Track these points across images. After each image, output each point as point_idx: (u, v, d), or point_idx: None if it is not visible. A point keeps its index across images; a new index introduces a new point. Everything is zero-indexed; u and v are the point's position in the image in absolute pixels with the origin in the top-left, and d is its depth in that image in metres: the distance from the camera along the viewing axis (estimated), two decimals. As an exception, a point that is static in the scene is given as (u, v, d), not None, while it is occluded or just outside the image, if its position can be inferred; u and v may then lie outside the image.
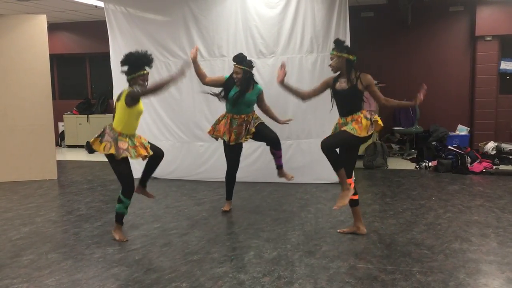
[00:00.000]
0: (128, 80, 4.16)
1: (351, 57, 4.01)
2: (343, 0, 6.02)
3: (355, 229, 4.24)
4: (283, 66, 4.20)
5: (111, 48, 6.83)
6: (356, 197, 4.18)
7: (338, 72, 4.08)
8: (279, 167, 5.06)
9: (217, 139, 5.08)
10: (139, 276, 3.39)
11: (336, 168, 4.01)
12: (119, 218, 4.23)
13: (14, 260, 3.77)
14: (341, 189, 4.07)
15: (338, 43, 4.06)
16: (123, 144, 4.02)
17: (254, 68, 5.03)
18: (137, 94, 3.99)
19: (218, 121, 5.01)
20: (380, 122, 4.08)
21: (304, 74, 6.22)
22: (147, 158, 4.30)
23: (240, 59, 4.87)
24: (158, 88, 4.01)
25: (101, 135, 4.13)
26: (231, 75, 4.92)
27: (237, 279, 3.30)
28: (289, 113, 6.27)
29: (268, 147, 5.03)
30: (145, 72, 4.16)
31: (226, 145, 4.98)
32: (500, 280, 3.24)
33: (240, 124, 4.86)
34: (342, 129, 4.00)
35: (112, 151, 3.98)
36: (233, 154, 5.01)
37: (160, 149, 4.38)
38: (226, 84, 4.89)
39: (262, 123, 4.97)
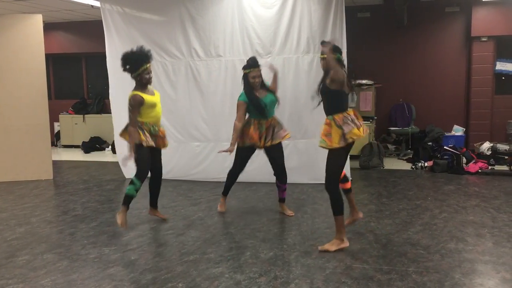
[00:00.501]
0: (135, 77, 4.33)
1: (333, 56, 3.74)
2: (340, 1, 6.04)
3: (354, 217, 4.24)
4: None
5: (107, 48, 6.82)
6: (349, 184, 4.19)
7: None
8: (282, 200, 5.02)
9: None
10: (135, 277, 3.39)
11: (336, 211, 3.79)
12: (128, 201, 4.35)
13: (10, 260, 3.76)
14: (335, 236, 3.85)
15: (323, 44, 3.92)
16: (144, 134, 4.33)
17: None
18: (130, 111, 4.32)
19: (242, 130, 4.74)
20: (356, 132, 3.69)
21: (300, 75, 6.23)
22: (150, 180, 4.68)
23: (255, 62, 4.76)
24: (131, 134, 4.32)
25: (126, 127, 4.44)
26: (247, 91, 4.72)
27: (233, 279, 3.30)
28: (286, 113, 6.28)
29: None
30: (148, 65, 4.35)
31: (243, 147, 4.82)
32: (495, 280, 3.25)
33: (268, 128, 4.79)
34: (320, 145, 3.79)
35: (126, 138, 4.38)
36: (245, 155, 4.88)
37: (159, 167, 4.67)
38: (252, 101, 4.70)
39: (280, 142, 4.86)
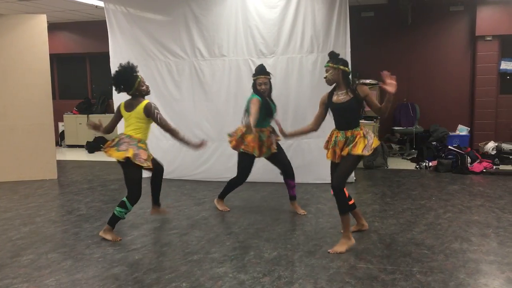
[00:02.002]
0: (133, 93, 4.28)
1: (346, 69, 3.92)
2: (343, 0, 6.02)
3: (360, 227, 4.31)
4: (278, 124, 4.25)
5: (111, 48, 6.83)
6: (352, 201, 4.17)
7: (334, 85, 4.00)
8: (292, 198, 5.02)
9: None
10: (139, 276, 3.39)
11: (343, 210, 3.86)
12: (115, 222, 4.24)
13: (14, 260, 3.77)
14: (342, 236, 3.89)
15: (333, 55, 3.96)
16: (144, 154, 4.12)
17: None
18: (155, 116, 4.19)
19: (241, 135, 4.79)
20: (376, 141, 3.91)
21: (304, 74, 6.22)
22: (151, 178, 4.64)
23: (261, 69, 4.82)
24: (173, 133, 4.30)
25: (117, 144, 4.13)
26: (259, 94, 4.76)
27: (237, 279, 3.30)
28: (290, 113, 6.29)
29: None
30: (140, 77, 4.30)
31: (245, 154, 4.82)
32: (500, 280, 3.23)
33: (268, 136, 4.82)
34: (343, 154, 3.86)
35: (130, 154, 4.02)
36: (248, 164, 4.87)
37: (161, 165, 4.67)
38: (264, 104, 4.74)
39: (279, 144, 4.94)
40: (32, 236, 4.39)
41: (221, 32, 6.42)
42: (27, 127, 6.90)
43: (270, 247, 3.93)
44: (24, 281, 3.35)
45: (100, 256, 3.80)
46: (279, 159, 4.92)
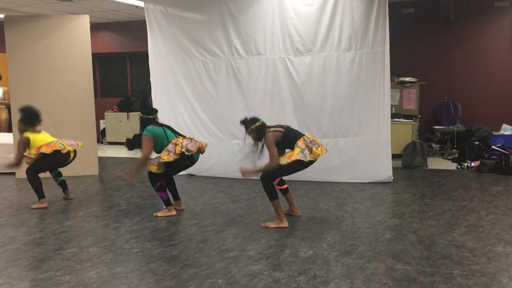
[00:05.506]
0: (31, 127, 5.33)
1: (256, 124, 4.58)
2: (383, -4, 5.92)
3: (290, 212, 4.84)
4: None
5: (150, 47, 6.94)
6: (285, 186, 4.81)
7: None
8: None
9: None
10: (176, 271, 3.45)
11: (272, 197, 4.50)
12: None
13: (57, 252, 3.91)
14: (276, 217, 4.54)
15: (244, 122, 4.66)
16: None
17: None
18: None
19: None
20: (315, 150, 4.38)
21: (342, 72, 6.16)
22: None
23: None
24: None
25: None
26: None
27: (272, 277, 3.31)
28: (326, 112, 6.25)
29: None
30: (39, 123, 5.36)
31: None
32: (546, 285, 3.11)
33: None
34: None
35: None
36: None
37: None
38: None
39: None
40: (74, 230, 4.54)
41: (258, 30, 6.43)
42: (70, 124, 7.10)
43: (306, 246, 3.92)
44: (66, 273, 3.46)
45: (139, 251, 3.89)
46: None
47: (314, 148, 4.37)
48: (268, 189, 4.49)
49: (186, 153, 4.71)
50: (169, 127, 4.95)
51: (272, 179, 4.53)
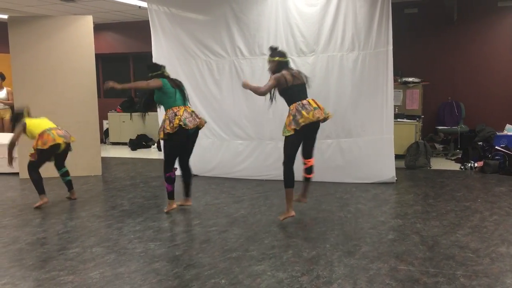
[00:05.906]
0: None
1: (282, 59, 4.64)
2: (386, -4, 5.91)
3: (298, 199, 4.88)
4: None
5: (154, 48, 6.96)
6: (310, 176, 4.78)
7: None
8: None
9: None
10: (179, 272, 3.45)
11: (287, 184, 4.54)
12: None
13: (61, 252, 3.92)
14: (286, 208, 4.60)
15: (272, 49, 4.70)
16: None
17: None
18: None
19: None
20: (305, 114, 4.37)
21: (345, 73, 6.15)
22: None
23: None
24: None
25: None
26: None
27: (275, 277, 3.31)
28: (329, 111, 6.22)
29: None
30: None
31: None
32: (550, 286, 3.10)
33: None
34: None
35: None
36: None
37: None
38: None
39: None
40: (77, 230, 4.55)
41: (262, 31, 6.43)
42: (74, 124, 7.09)
43: (309, 246, 3.91)
44: (70, 273, 3.47)
45: (142, 251, 3.90)
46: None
47: (303, 112, 4.39)
48: (286, 175, 4.52)
49: (183, 127, 4.76)
50: (182, 92, 5.02)
51: (292, 162, 4.49)
